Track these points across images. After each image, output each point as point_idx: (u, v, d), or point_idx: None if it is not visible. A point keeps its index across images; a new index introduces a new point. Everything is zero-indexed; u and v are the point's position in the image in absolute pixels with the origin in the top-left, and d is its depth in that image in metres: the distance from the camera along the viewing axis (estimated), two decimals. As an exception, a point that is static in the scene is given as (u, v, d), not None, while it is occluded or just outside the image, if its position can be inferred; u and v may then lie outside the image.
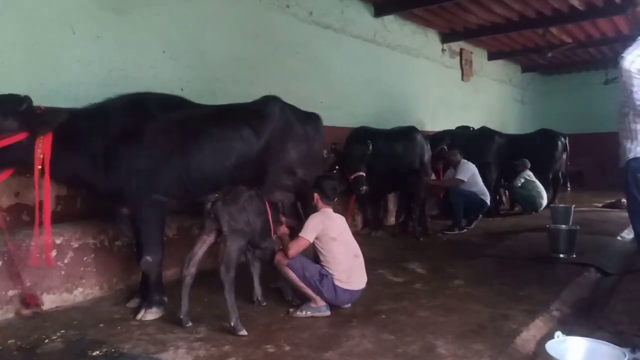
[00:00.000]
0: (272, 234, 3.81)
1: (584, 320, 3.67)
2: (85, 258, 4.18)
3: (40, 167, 3.47)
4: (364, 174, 6.35)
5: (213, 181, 3.85)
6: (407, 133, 7.52)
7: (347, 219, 6.59)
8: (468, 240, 6.76)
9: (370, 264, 5.23)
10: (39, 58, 4.43)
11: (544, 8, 9.21)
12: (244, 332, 3.29)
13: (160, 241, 3.86)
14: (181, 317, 3.48)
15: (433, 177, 7.82)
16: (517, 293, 4.20)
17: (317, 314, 3.67)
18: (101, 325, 3.57)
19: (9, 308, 3.74)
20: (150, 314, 3.69)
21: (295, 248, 3.70)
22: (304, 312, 3.69)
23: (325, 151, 6.31)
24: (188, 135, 3.91)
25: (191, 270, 3.51)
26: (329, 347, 3.11)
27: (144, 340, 3.27)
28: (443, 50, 10.96)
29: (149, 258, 3.74)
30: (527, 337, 3.26)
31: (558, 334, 2.55)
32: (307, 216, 4.07)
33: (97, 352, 3.08)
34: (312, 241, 3.74)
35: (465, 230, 7.35)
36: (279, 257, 3.75)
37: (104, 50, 4.90)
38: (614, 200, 9.43)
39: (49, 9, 4.51)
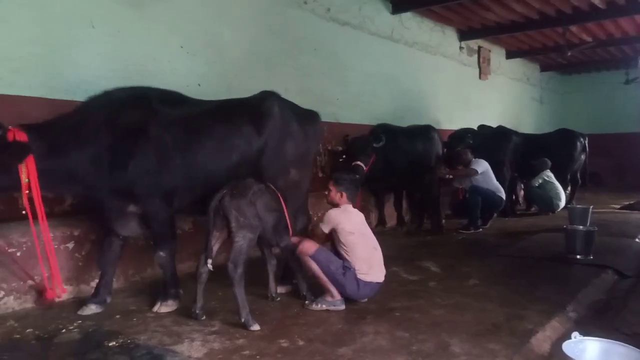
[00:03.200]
0: (290, 231, 3.81)
1: (600, 321, 3.64)
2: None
3: (27, 191, 3.31)
4: (362, 164, 6.45)
5: (214, 179, 3.80)
6: (425, 131, 7.66)
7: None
8: (483, 240, 6.71)
9: (385, 262, 5.23)
10: (58, 52, 4.49)
11: (564, 6, 9.10)
12: (256, 327, 3.30)
13: (173, 236, 3.86)
14: (196, 311, 3.50)
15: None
16: (533, 293, 4.16)
17: (332, 308, 3.71)
18: (117, 316, 3.62)
19: (27, 298, 3.81)
20: (166, 307, 3.72)
21: (312, 236, 3.89)
22: (319, 305, 3.72)
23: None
24: (193, 132, 3.86)
25: (206, 267, 3.51)
26: (342, 343, 3.11)
27: (160, 332, 3.30)
28: (461, 48, 10.89)
29: (162, 253, 3.76)
30: (543, 337, 3.23)
31: (575, 334, 2.52)
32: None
33: (113, 343, 3.12)
34: (327, 232, 3.84)
35: (481, 229, 7.30)
36: (303, 247, 3.76)
37: (123, 45, 4.94)
38: (632, 202, 9.30)
39: (68, 4, 4.56)
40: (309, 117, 4.60)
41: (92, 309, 3.73)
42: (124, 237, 3.91)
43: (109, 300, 3.84)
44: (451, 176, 7.60)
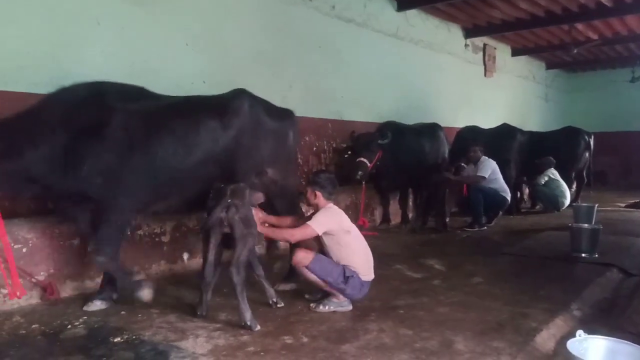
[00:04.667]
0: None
1: (605, 320, 3.62)
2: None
3: None
4: (366, 160, 6.46)
5: (177, 178, 3.74)
6: (431, 129, 7.71)
7: (360, 209, 6.75)
8: (488, 238, 6.70)
9: (389, 260, 5.28)
10: (64, 50, 4.51)
11: (570, 4, 9.07)
12: (258, 328, 3.28)
13: (117, 243, 3.67)
14: (202, 313, 3.51)
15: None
16: (538, 292, 4.15)
17: (339, 309, 3.66)
18: (122, 312, 3.64)
19: (32, 294, 3.83)
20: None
21: (299, 235, 3.65)
22: (326, 307, 3.66)
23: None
24: (152, 129, 3.70)
25: (212, 280, 3.51)
26: (346, 340, 3.11)
27: (164, 328, 3.32)
28: (466, 45, 10.86)
29: (100, 259, 3.56)
30: (547, 335, 3.23)
31: (580, 332, 2.51)
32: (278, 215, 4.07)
33: (118, 339, 3.14)
34: (319, 234, 3.64)
35: (485, 227, 7.29)
36: (298, 257, 3.64)
37: (128, 43, 4.96)
38: (638, 200, 9.26)
39: (74, 2, 4.58)
40: (283, 115, 4.48)
41: (97, 305, 3.75)
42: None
43: (114, 296, 3.85)
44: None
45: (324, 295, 3.76)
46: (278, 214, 4.14)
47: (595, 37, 11.18)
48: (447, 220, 7.29)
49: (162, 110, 3.85)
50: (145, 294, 3.61)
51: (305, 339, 3.14)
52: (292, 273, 4.22)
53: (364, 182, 6.72)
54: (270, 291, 3.81)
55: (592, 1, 8.85)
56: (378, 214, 7.57)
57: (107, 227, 3.58)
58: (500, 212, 7.67)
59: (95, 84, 3.70)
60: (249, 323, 3.27)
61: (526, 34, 11.25)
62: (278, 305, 3.74)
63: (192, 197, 3.92)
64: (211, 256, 3.46)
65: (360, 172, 6.47)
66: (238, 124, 4.02)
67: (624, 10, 9.20)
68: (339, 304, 3.67)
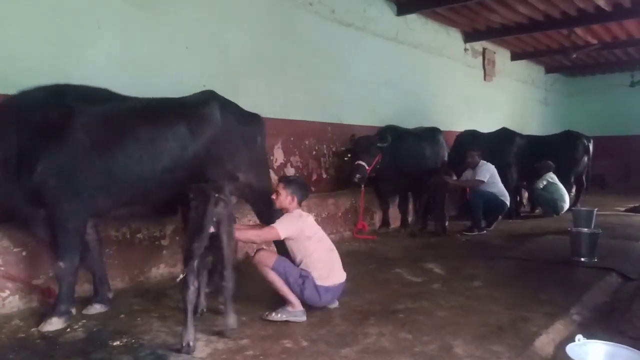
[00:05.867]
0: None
1: (604, 324, 3.61)
2: (107, 250, 4.23)
3: None
4: (365, 164, 6.50)
5: (140, 184, 3.64)
6: (431, 133, 7.75)
7: (360, 212, 6.74)
8: (487, 242, 6.70)
9: (388, 263, 5.30)
10: (64, 52, 4.51)
11: (569, 8, 9.09)
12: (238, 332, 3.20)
13: (77, 248, 3.55)
14: (183, 344, 3.04)
15: (454, 177, 7.79)
16: (538, 296, 4.15)
17: (292, 319, 3.53)
18: (122, 316, 3.64)
19: (32, 297, 3.83)
20: (50, 325, 3.39)
21: (264, 236, 3.71)
22: (279, 315, 3.54)
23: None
24: (113, 132, 3.60)
25: (194, 289, 3.16)
26: (346, 344, 3.11)
27: (164, 332, 3.32)
28: (465, 49, 10.89)
29: (61, 264, 3.45)
30: (547, 340, 3.22)
31: (579, 337, 2.52)
32: (261, 218, 4.06)
33: (118, 343, 3.14)
34: (282, 237, 3.64)
35: (485, 231, 7.28)
36: (261, 257, 3.61)
37: (129, 45, 4.97)
38: (637, 205, 9.27)
39: (75, 4, 4.59)
40: (251, 119, 4.45)
41: (96, 308, 3.75)
42: (92, 232, 3.81)
43: (111, 296, 3.84)
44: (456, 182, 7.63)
45: (279, 304, 3.63)
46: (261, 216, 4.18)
47: (594, 41, 11.21)
48: (447, 224, 7.29)
49: (125, 112, 3.74)
50: (53, 322, 3.41)
51: (305, 343, 3.14)
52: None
53: (362, 186, 6.72)
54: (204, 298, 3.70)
55: (591, 6, 8.87)
56: (378, 217, 7.57)
57: (63, 232, 3.47)
58: (500, 216, 7.68)
59: (56, 86, 3.61)
60: (234, 327, 3.21)
61: (525, 38, 11.28)
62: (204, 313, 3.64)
63: (159, 203, 3.86)
64: (196, 264, 3.17)
65: (358, 175, 6.50)
66: (209, 129, 3.95)
67: (623, 14, 9.22)
68: (293, 314, 3.55)
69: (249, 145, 4.36)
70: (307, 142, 7.00)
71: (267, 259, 3.61)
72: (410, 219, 7.80)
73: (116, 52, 4.86)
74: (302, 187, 3.86)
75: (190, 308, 3.03)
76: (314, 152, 7.15)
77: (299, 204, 3.82)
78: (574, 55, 11.53)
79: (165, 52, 5.28)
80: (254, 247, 4.26)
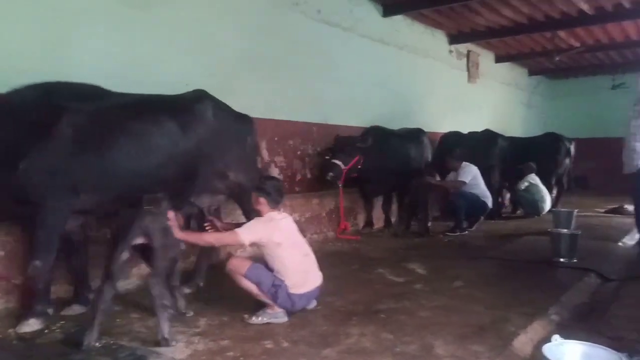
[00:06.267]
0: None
1: (583, 324, 3.66)
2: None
3: None
4: (341, 163, 6.52)
5: (129, 182, 3.60)
6: (416, 134, 7.79)
7: (340, 212, 6.75)
8: (470, 242, 6.75)
9: (372, 264, 5.32)
10: (54, 51, 4.45)
11: (552, 11, 9.19)
12: (174, 343, 3.10)
13: (54, 246, 3.48)
14: (84, 342, 3.05)
15: (437, 178, 7.84)
16: (518, 296, 4.18)
17: (274, 320, 3.50)
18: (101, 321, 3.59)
19: (9, 298, 3.77)
20: (27, 326, 3.35)
21: (224, 239, 3.64)
22: (259, 319, 3.51)
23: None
24: (102, 129, 3.57)
25: (109, 297, 3.13)
26: (327, 345, 3.11)
27: (143, 333, 3.29)
28: (450, 51, 10.96)
29: (37, 262, 3.37)
30: (525, 340, 3.25)
31: (556, 337, 2.55)
32: (249, 218, 3.96)
33: (96, 344, 3.09)
34: (245, 243, 3.57)
35: (467, 232, 7.34)
36: (234, 264, 3.56)
37: (118, 45, 4.92)
38: (616, 206, 9.39)
39: (65, 3, 4.54)
40: (242, 120, 4.50)
41: (75, 309, 3.71)
42: (71, 231, 3.75)
43: (91, 297, 3.77)
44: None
45: (259, 307, 3.60)
46: (247, 216, 4.13)
47: (577, 44, 11.35)
48: (430, 224, 7.34)
49: (116, 109, 3.71)
50: (30, 322, 3.37)
51: (286, 344, 3.13)
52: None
53: (340, 186, 6.73)
54: (182, 301, 3.67)
55: (574, 9, 8.98)
56: (362, 218, 7.60)
57: (41, 230, 3.41)
58: (482, 217, 7.74)
59: (46, 84, 3.57)
60: (166, 336, 3.09)
61: (509, 40, 11.38)
62: (187, 315, 3.61)
63: None
64: (116, 270, 3.15)
65: (330, 174, 6.51)
66: (201, 127, 3.97)
67: (605, 18, 9.35)
68: (274, 315, 3.53)
69: (239, 145, 4.39)
70: (291, 142, 6.99)
71: (240, 267, 3.52)
72: (393, 219, 7.84)
73: (106, 51, 4.80)
74: (274, 191, 3.69)
75: (98, 314, 3.06)
76: (299, 152, 7.14)
77: (272, 207, 3.68)
78: (557, 58, 11.66)
79: (154, 51, 5.23)
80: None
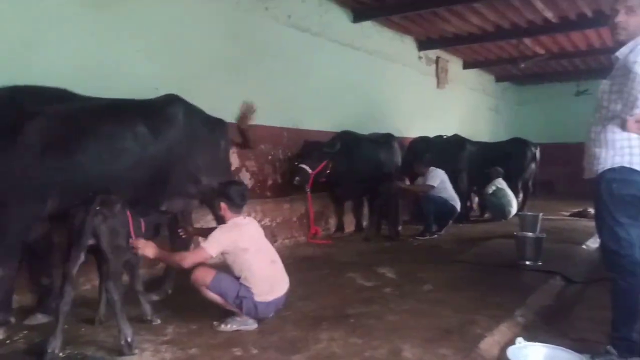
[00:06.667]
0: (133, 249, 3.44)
1: (547, 326, 3.74)
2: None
3: None
4: (307, 168, 6.58)
5: (103, 185, 3.45)
6: (386, 139, 7.87)
7: (310, 217, 6.75)
8: (439, 246, 6.83)
9: (342, 268, 5.33)
10: (16, 53, 4.34)
11: (518, 20, 9.41)
12: (137, 352, 3.04)
13: (17, 253, 3.42)
14: (48, 350, 2.96)
15: (407, 182, 7.93)
16: (485, 299, 4.25)
17: (243, 327, 3.46)
18: (65, 326, 3.49)
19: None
20: None
21: (191, 259, 3.46)
22: (228, 326, 3.46)
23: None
24: (70, 133, 3.49)
25: (69, 299, 3.06)
26: (296, 351, 3.11)
27: (109, 343, 3.22)
28: (420, 57, 11.10)
29: None
30: (491, 342, 3.31)
31: (519, 339, 2.61)
32: (219, 223, 3.91)
33: (60, 354, 3.01)
34: (214, 256, 3.46)
35: (436, 235, 7.44)
36: (198, 275, 3.46)
37: (83, 47, 4.84)
38: (580, 209, 9.63)
39: (28, 5, 4.44)
40: (216, 124, 4.46)
41: (39, 318, 3.61)
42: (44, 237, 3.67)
43: (54, 306, 3.70)
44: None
45: (228, 314, 3.55)
46: (218, 220, 4.08)
47: (542, 51, 11.64)
48: (400, 228, 7.41)
49: (85, 113, 3.65)
50: None
51: (255, 351, 3.11)
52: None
53: (308, 191, 6.75)
54: (147, 307, 3.62)
55: (539, 17, 9.22)
56: (333, 222, 7.62)
57: (5, 236, 3.33)
58: (451, 221, 7.86)
59: (12, 87, 3.50)
60: (129, 340, 3.02)
61: (477, 47, 11.61)
62: (153, 323, 3.54)
63: None
64: (73, 271, 3.09)
65: (297, 178, 6.55)
66: (172, 131, 3.92)
67: (569, 27, 9.62)
68: (243, 322, 3.48)
69: (213, 149, 4.35)
70: (262, 147, 6.97)
71: (204, 278, 3.45)
72: (364, 223, 7.88)
73: (70, 54, 4.72)
74: (235, 195, 3.60)
75: (61, 317, 2.99)
76: (270, 157, 7.13)
77: (235, 212, 3.61)
78: (523, 65, 11.94)
79: (120, 54, 5.16)
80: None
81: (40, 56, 4.53)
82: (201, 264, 3.49)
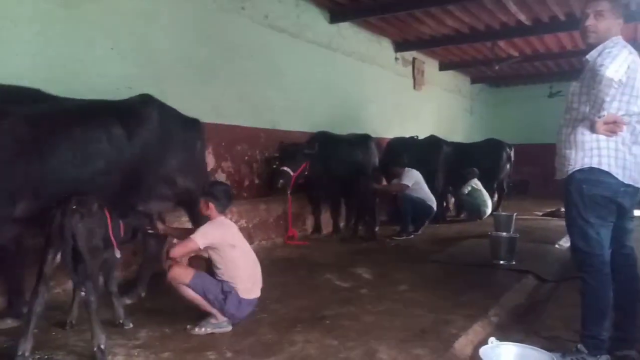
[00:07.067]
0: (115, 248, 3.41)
1: (521, 325, 3.79)
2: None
3: None
4: (289, 170, 6.56)
5: (75, 188, 3.38)
6: (363, 140, 7.90)
7: (288, 220, 6.74)
8: (415, 246, 6.88)
9: (319, 269, 5.33)
10: None
11: (492, 22, 9.53)
12: (110, 357, 3.00)
13: None
14: (18, 353, 2.92)
15: (384, 182, 7.97)
16: (460, 298, 4.30)
17: (217, 330, 3.45)
18: (35, 330, 3.41)
19: None
20: None
21: (181, 249, 3.48)
22: (202, 329, 3.43)
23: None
24: (41, 134, 3.39)
25: (42, 300, 3.02)
26: (272, 353, 3.09)
27: (80, 347, 3.16)
28: (396, 58, 11.16)
29: None
30: (465, 342, 3.34)
31: (492, 339, 2.64)
32: (196, 224, 3.89)
33: (30, 358, 2.95)
34: (202, 248, 3.46)
35: (413, 235, 7.49)
36: (176, 273, 3.45)
37: (47, 45, 4.70)
38: (553, 209, 9.80)
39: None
40: (192, 124, 4.41)
41: (8, 323, 3.53)
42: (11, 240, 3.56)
43: (25, 310, 3.62)
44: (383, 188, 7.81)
45: (202, 317, 3.52)
46: (194, 222, 4.06)
47: (515, 54, 11.81)
48: (377, 229, 7.43)
49: (57, 114, 3.56)
50: None
51: (229, 354, 3.09)
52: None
53: (289, 193, 6.74)
54: (120, 310, 3.57)
55: (513, 20, 9.34)
56: (310, 223, 7.61)
57: None
58: (427, 221, 7.92)
59: None
60: (102, 347, 2.97)
61: (452, 49, 11.73)
62: (125, 327, 3.50)
63: None
64: (48, 271, 3.04)
65: (281, 181, 6.53)
66: (146, 132, 3.86)
67: (542, 29, 9.76)
68: (217, 325, 3.47)
69: (188, 150, 4.29)
70: (239, 148, 6.92)
71: (183, 276, 3.43)
72: (342, 224, 7.89)
73: (33, 52, 4.59)
74: (221, 195, 3.66)
75: (33, 318, 2.96)
76: (246, 158, 7.08)
77: (220, 212, 3.65)
78: (497, 67, 12.09)
79: (87, 52, 5.04)
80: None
81: (5, 55, 4.41)
82: (177, 264, 3.48)
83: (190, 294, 3.45)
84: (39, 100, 3.59)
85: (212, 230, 3.52)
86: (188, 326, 3.49)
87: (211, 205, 3.61)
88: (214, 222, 3.59)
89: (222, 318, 3.49)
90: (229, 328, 3.49)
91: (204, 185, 3.84)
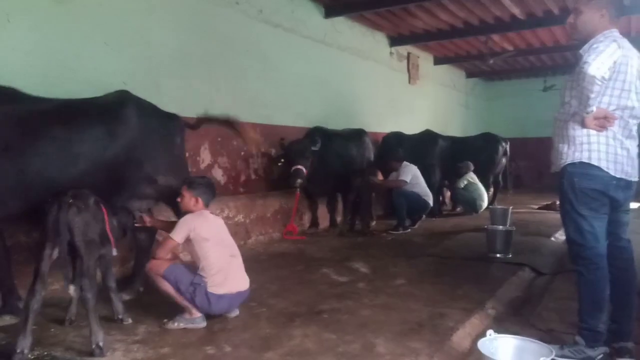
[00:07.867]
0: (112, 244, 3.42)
1: (517, 318, 3.83)
2: (16, 256, 3.96)
3: None
4: (303, 168, 6.57)
5: (53, 187, 3.32)
6: (358, 135, 7.91)
7: (292, 215, 6.78)
8: (411, 240, 6.90)
9: (316, 264, 5.34)
10: None
11: (486, 16, 9.54)
12: (108, 353, 2.99)
13: None
14: (17, 350, 2.89)
15: (380, 177, 7.98)
16: (456, 292, 4.32)
17: (190, 326, 3.43)
18: (34, 327, 3.41)
19: None
20: None
21: (162, 251, 3.56)
22: (175, 324, 3.44)
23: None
24: (19, 134, 3.35)
25: (40, 297, 2.99)
26: (269, 348, 3.10)
27: (78, 343, 3.16)
28: (391, 53, 11.16)
29: None
30: (463, 334, 3.36)
31: (490, 332, 2.65)
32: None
33: (29, 355, 2.95)
34: (180, 242, 3.52)
35: (409, 230, 7.51)
36: (152, 265, 3.51)
37: (43, 41, 4.68)
38: (549, 203, 9.85)
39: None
40: (170, 119, 4.35)
41: (5, 319, 3.52)
42: None
43: (21, 306, 3.61)
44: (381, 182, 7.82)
45: (178, 311, 3.52)
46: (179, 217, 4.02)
47: (510, 48, 11.83)
48: (374, 223, 7.45)
49: (33, 114, 3.52)
50: None
51: (228, 349, 3.10)
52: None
53: (298, 190, 6.76)
54: (119, 306, 3.58)
55: (507, 14, 9.35)
56: (307, 218, 7.62)
57: None
58: (423, 215, 7.95)
59: None
60: (101, 344, 2.96)
61: (447, 44, 11.72)
62: (124, 322, 3.51)
63: None
64: (45, 268, 3.03)
65: (299, 180, 6.55)
66: (126, 131, 3.81)
67: (536, 23, 9.78)
68: (191, 321, 3.46)
69: (168, 146, 4.23)
70: (235, 143, 6.91)
71: (158, 267, 3.47)
72: (339, 219, 7.91)
73: (28, 47, 4.57)
74: (208, 189, 3.71)
75: (31, 316, 2.93)
76: (242, 153, 7.07)
77: (206, 205, 3.68)
78: (491, 61, 12.11)
79: (82, 48, 5.01)
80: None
81: (3, 50, 4.39)
82: (157, 257, 3.56)
83: (164, 285, 3.47)
84: (15, 99, 3.54)
85: (187, 222, 3.54)
86: (164, 320, 3.50)
87: (200, 200, 3.65)
88: (193, 214, 3.60)
89: (196, 314, 3.48)
90: (203, 324, 3.47)
91: (185, 180, 3.82)
